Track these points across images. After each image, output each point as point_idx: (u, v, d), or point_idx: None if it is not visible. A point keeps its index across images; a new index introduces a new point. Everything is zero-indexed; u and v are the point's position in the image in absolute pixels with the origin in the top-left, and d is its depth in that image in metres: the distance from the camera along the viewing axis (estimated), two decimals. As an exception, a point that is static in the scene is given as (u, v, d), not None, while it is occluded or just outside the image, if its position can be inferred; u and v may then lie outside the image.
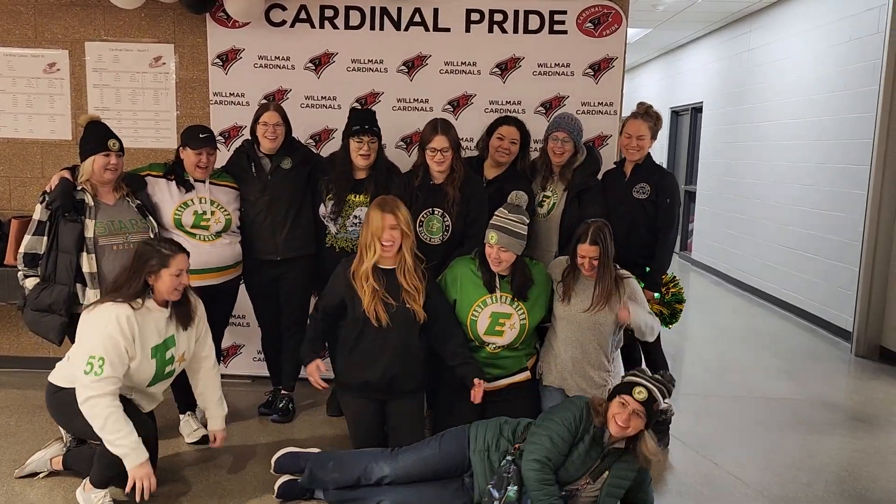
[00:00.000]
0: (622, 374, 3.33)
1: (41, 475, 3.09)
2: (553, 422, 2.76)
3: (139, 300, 2.78)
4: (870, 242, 5.38)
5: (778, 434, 3.88)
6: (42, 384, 2.78)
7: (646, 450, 2.68)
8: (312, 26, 4.15)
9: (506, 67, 4.15)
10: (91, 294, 3.11)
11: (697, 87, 9.49)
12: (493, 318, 3.21)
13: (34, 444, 3.39)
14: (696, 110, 9.65)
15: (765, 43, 7.53)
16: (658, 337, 3.75)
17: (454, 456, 2.86)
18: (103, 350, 2.66)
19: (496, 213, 3.19)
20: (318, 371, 3.14)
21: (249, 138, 3.67)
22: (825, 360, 5.37)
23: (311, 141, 4.17)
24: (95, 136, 3.15)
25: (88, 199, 3.13)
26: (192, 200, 3.42)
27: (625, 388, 2.69)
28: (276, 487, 2.97)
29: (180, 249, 2.88)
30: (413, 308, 3.09)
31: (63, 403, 2.83)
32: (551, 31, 4.11)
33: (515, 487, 2.69)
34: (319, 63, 4.17)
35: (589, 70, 4.12)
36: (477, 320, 3.22)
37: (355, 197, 3.56)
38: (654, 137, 3.65)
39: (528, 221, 3.17)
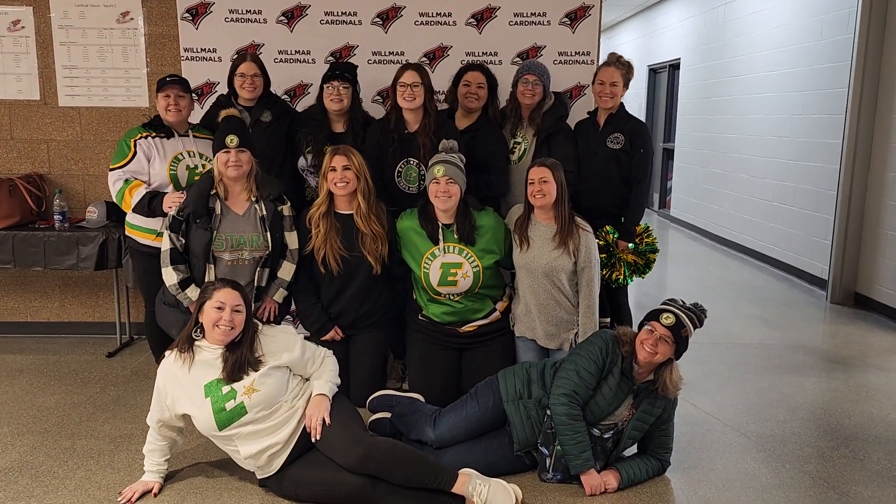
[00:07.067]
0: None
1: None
2: (579, 356, 2.75)
3: (188, 344, 2.60)
4: (844, 191, 5.44)
5: (755, 377, 3.96)
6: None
7: (669, 379, 2.66)
8: (283, -23, 4.06)
9: (482, 17, 4.09)
10: None
11: (675, 44, 9.46)
12: (445, 269, 3.20)
13: (13, 407, 3.39)
14: (674, 67, 9.63)
15: (741, -4, 7.51)
16: (625, 291, 3.78)
17: (494, 409, 2.82)
18: (154, 393, 2.65)
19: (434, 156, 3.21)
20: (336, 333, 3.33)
21: (227, 92, 3.60)
22: (801, 308, 5.46)
23: (286, 96, 4.10)
24: (219, 134, 3.02)
25: (217, 208, 3.03)
26: (182, 154, 3.35)
27: (653, 315, 2.69)
28: (367, 422, 3.03)
29: (230, 284, 2.62)
30: (368, 258, 3.18)
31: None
32: (527, -21, 4.06)
33: None
34: (292, 16, 4.09)
35: (565, 19, 4.07)
36: (429, 273, 3.21)
37: None
38: (626, 86, 3.64)
39: (464, 161, 3.20)
